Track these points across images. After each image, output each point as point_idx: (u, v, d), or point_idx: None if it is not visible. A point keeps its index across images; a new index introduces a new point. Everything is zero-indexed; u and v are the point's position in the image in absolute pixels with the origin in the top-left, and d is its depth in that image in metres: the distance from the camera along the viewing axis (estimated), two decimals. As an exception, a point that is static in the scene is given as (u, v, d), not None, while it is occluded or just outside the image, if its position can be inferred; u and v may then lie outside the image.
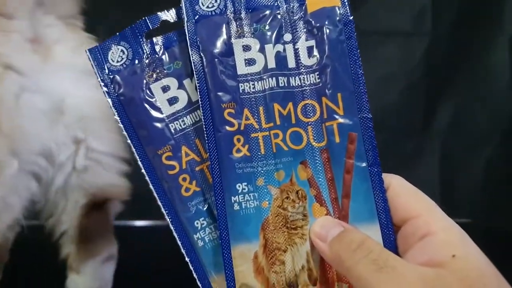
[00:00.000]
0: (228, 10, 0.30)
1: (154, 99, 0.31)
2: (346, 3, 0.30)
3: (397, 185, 0.30)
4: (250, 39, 0.30)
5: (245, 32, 0.30)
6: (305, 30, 0.30)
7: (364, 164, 0.29)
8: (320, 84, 0.30)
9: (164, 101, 0.31)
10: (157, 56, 0.31)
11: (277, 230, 0.29)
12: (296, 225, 0.29)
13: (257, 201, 0.29)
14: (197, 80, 0.29)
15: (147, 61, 0.31)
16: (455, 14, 0.89)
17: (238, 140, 0.29)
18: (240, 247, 0.29)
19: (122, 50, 0.31)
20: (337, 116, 0.30)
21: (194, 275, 0.30)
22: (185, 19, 0.30)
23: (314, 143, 0.30)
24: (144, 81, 0.31)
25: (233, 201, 0.29)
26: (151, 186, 0.30)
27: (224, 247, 0.28)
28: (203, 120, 0.29)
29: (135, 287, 0.71)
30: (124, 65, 0.31)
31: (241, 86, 0.29)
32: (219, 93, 0.29)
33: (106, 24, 0.80)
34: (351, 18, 0.30)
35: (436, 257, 0.26)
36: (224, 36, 0.30)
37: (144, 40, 0.31)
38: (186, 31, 0.29)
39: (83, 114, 0.48)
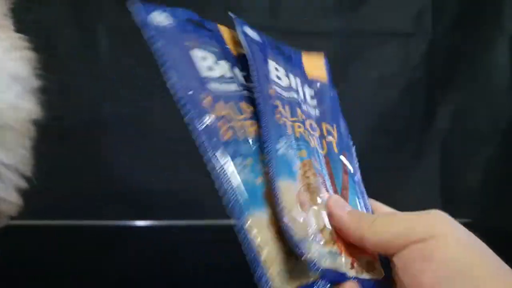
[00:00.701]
0: (264, 40, 0.36)
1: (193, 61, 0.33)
2: (331, 80, 0.41)
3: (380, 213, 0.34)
4: (277, 64, 0.36)
5: (274, 58, 0.36)
6: (307, 84, 0.39)
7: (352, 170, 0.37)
8: (320, 116, 0.38)
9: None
10: (200, 31, 0.34)
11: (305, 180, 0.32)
12: (315, 191, 0.32)
13: (296, 150, 0.33)
14: (252, 65, 0.33)
15: (188, 30, 0.33)
16: (455, 14, 0.89)
17: (279, 112, 0.33)
18: (284, 183, 0.31)
19: (166, 16, 0.33)
20: (332, 138, 0.37)
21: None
22: (240, 34, 0.34)
23: (319, 149, 0.35)
24: (185, 44, 0.33)
25: (277, 148, 0.32)
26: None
27: (273, 180, 0.30)
28: (255, 87, 0.32)
29: (134, 287, 0.71)
30: (169, 25, 0.33)
31: (275, 89, 0.34)
32: (268, 78, 0.34)
33: (105, 23, 0.80)
34: (334, 87, 0.41)
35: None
36: (264, 53, 0.35)
37: (187, 20, 0.34)
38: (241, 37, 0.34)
39: (2, 122, 0.47)
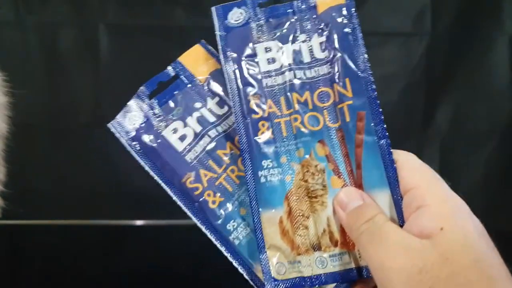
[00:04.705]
0: (252, 21, 0.36)
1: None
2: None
3: (403, 160, 0.33)
4: (270, 42, 0.36)
5: (266, 37, 0.36)
6: (316, 28, 0.36)
7: (373, 138, 0.34)
8: (331, 73, 0.35)
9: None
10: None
11: (300, 199, 0.33)
12: (316, 194, 0.33)
13: (281, 175, 0.34)
14: (227, 79, 0.35)
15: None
16: (455, 14, 0.89)
17: (263, 125, 0.35)
18: (267, 213, 0.33)
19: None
20: (346, 99, 0.34)
21: (240, 270, 0.35)
22: (217, 31, 0.36)
23: (330, 124, 0.34)
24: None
25: (259, 175, 0.34)
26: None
27: (254, 214, 0.33)
28: (233, 110, 0.35)
29: (135, 286, 0.71)
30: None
31: (264, 81, 0.35)
32: (246, 88, 0.35)
33: (105, 22, 0.80)
34: (354, 12, 0.35)
35: (426, 229, 0.27)
36: (249, 42, 0.36)
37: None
38: (218, 41, 0.36)
39: None
